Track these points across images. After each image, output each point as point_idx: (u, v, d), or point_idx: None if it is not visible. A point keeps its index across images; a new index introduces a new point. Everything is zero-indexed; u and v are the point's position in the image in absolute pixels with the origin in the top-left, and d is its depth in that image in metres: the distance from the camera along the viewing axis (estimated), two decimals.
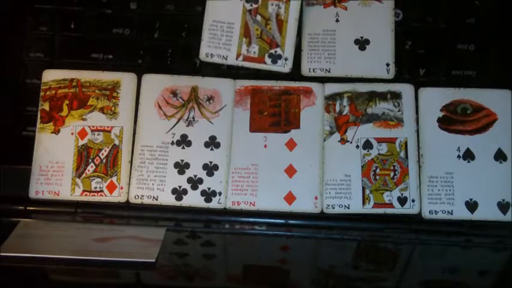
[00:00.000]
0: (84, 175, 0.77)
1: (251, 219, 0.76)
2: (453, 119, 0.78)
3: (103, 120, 0.78)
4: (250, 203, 0.76)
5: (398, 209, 0.76)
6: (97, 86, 0.78)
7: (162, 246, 0.71)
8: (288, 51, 0.79)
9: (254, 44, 0.79)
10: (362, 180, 0.76)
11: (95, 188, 0.77)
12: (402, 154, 0.77)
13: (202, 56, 0.79)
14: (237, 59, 0.79)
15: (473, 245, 0.76)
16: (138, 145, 0.77)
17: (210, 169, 0.77)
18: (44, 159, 0.77)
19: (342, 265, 0.72)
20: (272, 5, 0.79)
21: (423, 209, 0.76)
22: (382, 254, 0.75)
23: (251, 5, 0.79)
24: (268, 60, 0.79)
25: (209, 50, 0.78)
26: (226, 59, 0.79)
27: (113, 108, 0.78)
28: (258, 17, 0.79)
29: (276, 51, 0.79)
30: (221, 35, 0.79)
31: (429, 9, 0.81)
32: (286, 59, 0.78)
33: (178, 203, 0.76)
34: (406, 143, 0.77)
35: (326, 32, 0.80)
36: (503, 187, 0.76)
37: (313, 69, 0.79)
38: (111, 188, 0.76)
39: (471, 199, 0.76)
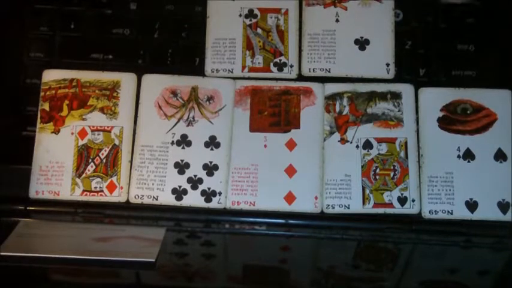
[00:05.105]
0: (84, 175, 0.77)
1: (251, 219, 0.76)
2: (453, 119, 0.78)
3: (103, 120, 0.78)
4: (250, 202, 0.76)
5: (398, 209, 0.76)
6: (97, 86, 0.78)
7: (162, 246, 0.71)
8: (293, 59, 0.79)
9: (258, 55, 0.79)
10: (362, 180, 0.76)
11: (95, 187, 0.77)
12: (402, 154, 0.77)
13: (208, 72, 0.79)
14: (242, 71, 0.79)
15: (473, 245, 0.76)
16: (138, 145, 0.77)
17: (210, 169, 0.77)
18: (44, 159, 0.77)
19: (342, 265, 0.72)
20: (271, 17, 0.80)
21: (423, 209, 0.76)
22: (382, 254, 0.75)
23: (250, 20, 0.80)
24: (273, 68, 0.79)
25: (214, 66, 0.79)
26: (232, 72, 0.79)
27: (112, 108, 0.78)
28: (259, 30, 0.80)
29: (280, 60, 0.79)
30: (224, 50, 0.79)
31: (429, 9, 0.81)
32: (291, 66, 0.79)
33: (178, 203, 0.76)
34: (406, 143, 0.77)
35: (326, 32, 0.80)
36: (503, 187, 0.76)
37: (313, 69, 0.79)
38: (111, 188, 0.76)
39: (471, 199, 0.76)
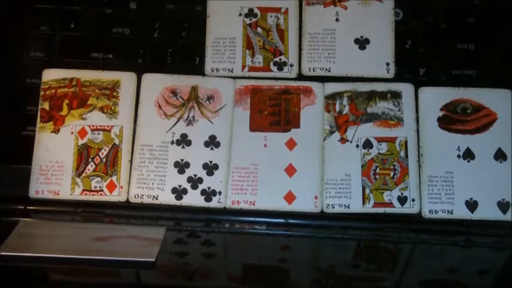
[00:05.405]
0: (84, 174, 0.77)
1: (251, 219, 0.76)
2: (453, 119, 0.78)
3: (103, 120, 0.78)
4: (250, 202, 0.76)
5: (398, 209, 0.76)
6: (97, 85, 0.78)
7: (162, 245, 0.71)
8: (293, 58, 0.79)
9: (258, 54, 0.79)
10: (362, 179, 0.76)
11: (95, 187, 0.77)
12: (402, 153, 0.77)
13: (208, 71, 0.79)
14: (242, 70, 0.79)
15: (473, 244, 0.76)
16: (138, 144, 0.77)
17: (210, 168, 0.77)
18: (43, 158, 0.77)
19: (342, 264, 0.72)
20: (271, 16, 0.80)
21: (423, 209, 0.76)
22: (382, 253, 0.75)
23: (250, 19, 0.80)
24: (273, 68, 0.79)
25: (214, 65, 0.79)
26: (232, 72, 0.79)
27: (112, 108, 0.78)
28: (259, 29, 0.80)
29: (280, 59, 0.79)
30: (224, 50, 0.79)
31: (429, 9, 0.81)
32: (291, 65, 0.79)
33: (178, 203, 0.76)
34: (406, 143, 0.77)
35: (326, 32, 0.80)
36: (503, 187, 0.76)
37: (313, 69, 0.79)
38: (111, 187, 0.76)
39: (471, 198, 0.76)
